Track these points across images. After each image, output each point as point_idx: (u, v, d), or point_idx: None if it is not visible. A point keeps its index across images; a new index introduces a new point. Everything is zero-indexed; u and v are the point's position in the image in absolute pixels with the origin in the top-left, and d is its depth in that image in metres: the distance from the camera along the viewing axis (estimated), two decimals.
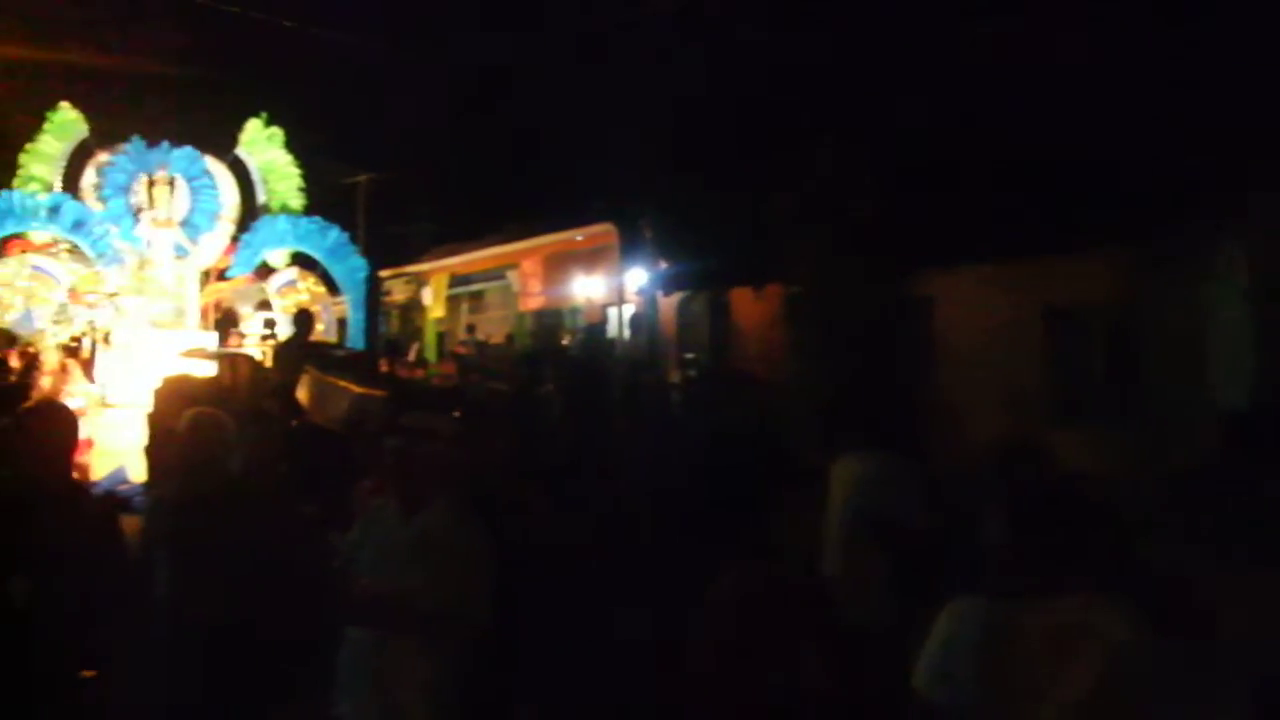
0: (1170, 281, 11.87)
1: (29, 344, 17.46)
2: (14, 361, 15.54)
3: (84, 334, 18.36)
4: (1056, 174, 11.96)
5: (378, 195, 32.90)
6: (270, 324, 18.53)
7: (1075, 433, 11.21)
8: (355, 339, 20.06)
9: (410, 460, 5.05)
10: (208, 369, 13.87)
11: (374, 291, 14.16)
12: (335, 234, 21.01)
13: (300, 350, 13.06)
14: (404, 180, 31.96)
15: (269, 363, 13.81)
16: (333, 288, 21.41)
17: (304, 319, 13.80)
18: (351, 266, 21.03)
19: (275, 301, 20.35)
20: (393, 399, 9.04)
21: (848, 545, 6.03)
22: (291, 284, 20.77)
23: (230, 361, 13.59)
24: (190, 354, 15.30)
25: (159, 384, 11.94)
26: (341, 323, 21.35)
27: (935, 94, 13.76)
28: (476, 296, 32.13)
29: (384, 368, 16.03)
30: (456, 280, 31.17)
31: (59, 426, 5.08)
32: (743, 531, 4.24)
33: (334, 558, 5.26)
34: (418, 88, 27.45)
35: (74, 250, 19.28)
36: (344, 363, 12.40)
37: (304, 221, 20.78)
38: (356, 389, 9.52)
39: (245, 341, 18.39)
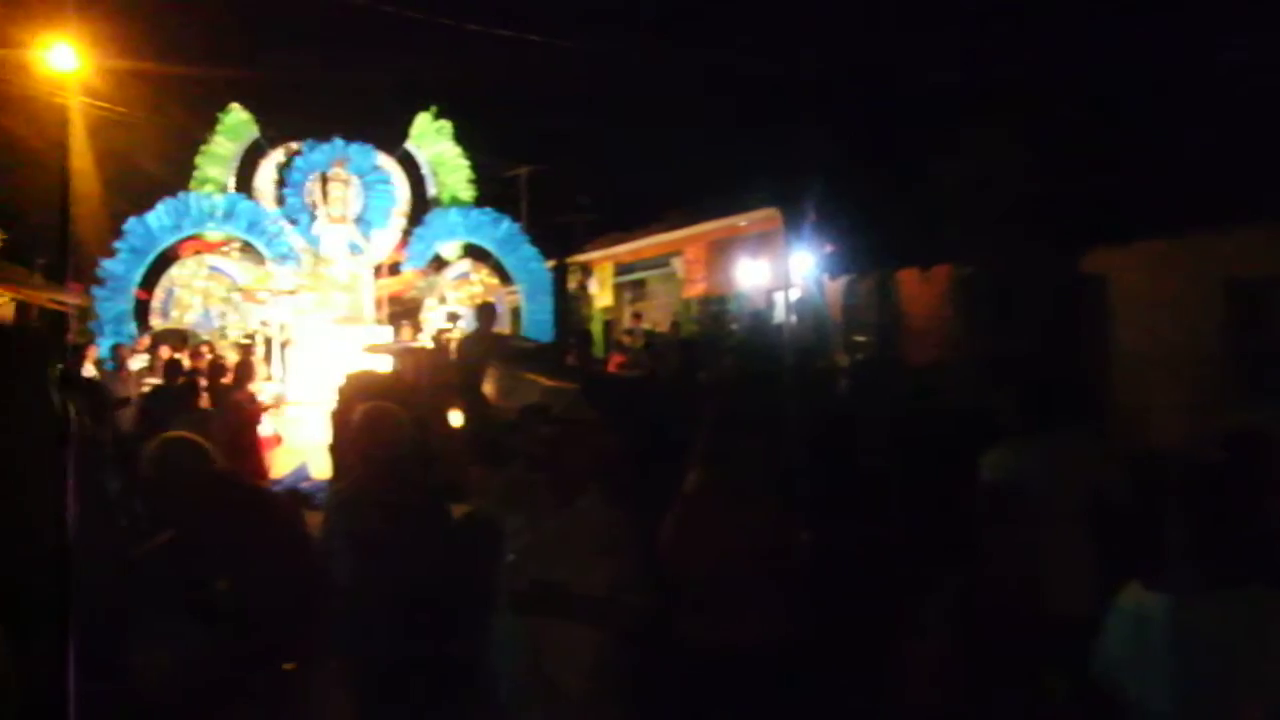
0: None
1: (203, 343, 17.13)
2: (187, 361, 15.17)
3: (256, 332, 18.00)
4: (1235, 141, 11.10)
5: (538, 187, 32.32)
6: (453, 317, 17.97)
7: (1260, 412, 10.06)
8: (531, 330, 19.43)
9: (562, 448, 4.81)
10: (390, 364, 13.45)
11: (561, 281, 13.31)
12: (507, 225, 20.61)
13: (485, 343, 12.44)
14: (564, 171, 31.69)
15: (452, 357, 13.10)
16: (505, 279, 20.83)
17: (487, 312, 13.17)
18: (524, 257, 20.52)
19: (449, 294, 19.96)
20: (586, 391, 8.43)
21: (1059, 530, 5.61)
22: (465, 276, 20.42)
23: (413, 356, 13.04)
24: (373, 349, 14.80)
25: (343, 380, 11.46)
26: (514, 313, 20.72)
27: (1105, 63, 13.08)
28: (638, 285, 31.39)
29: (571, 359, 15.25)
30: (619, 269, 30.56)
31: (243, 426, 5.08)
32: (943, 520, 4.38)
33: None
34: (576, 77, 27.04)
35: (244, 249, 19.12)
36: (530, 355, 12.05)
37: (475, 213, 20.40)
38: (547, 382, 8.99)
39: (420, 335, 17.90)
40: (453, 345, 14.17)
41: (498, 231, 20.41)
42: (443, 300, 19.64)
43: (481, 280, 20.33)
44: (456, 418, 10.90)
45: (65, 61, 22.33)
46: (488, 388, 9.86)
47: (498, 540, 5.04)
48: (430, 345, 15.30)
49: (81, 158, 25.05)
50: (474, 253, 20.61)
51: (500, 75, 26.38)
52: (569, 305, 17.19)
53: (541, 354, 12.83)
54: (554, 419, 5.22)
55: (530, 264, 20.59)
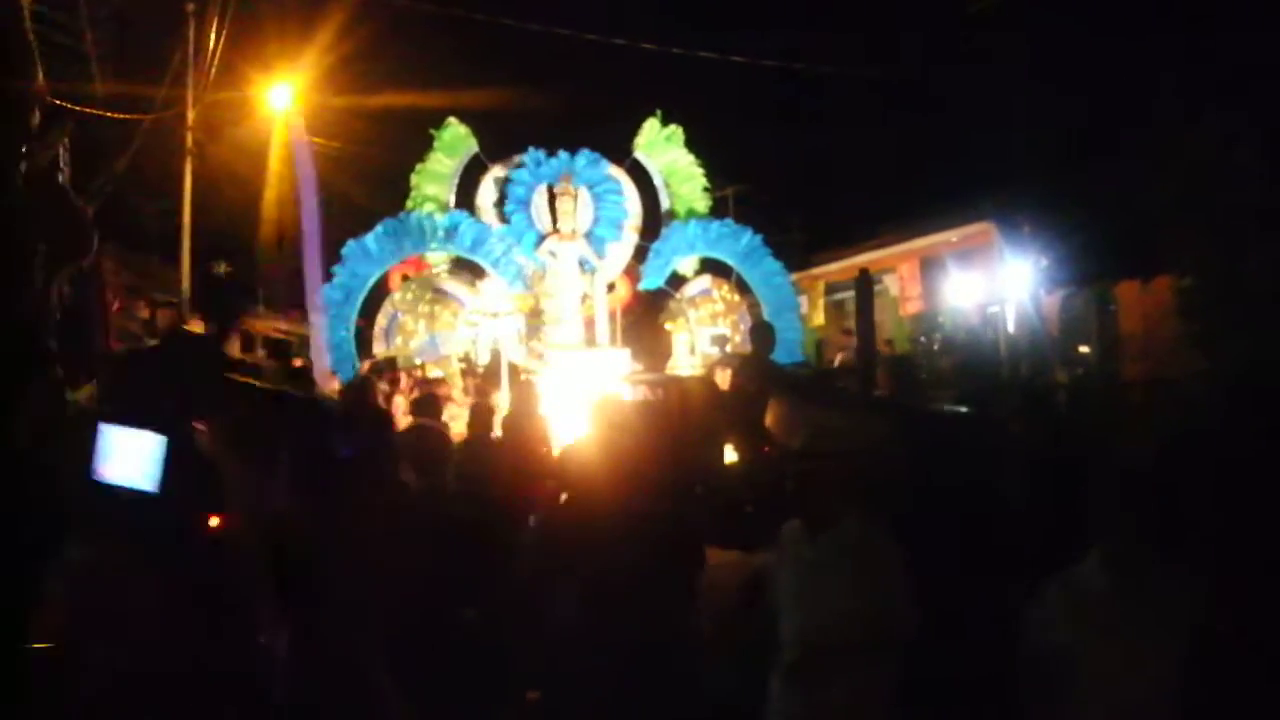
0: None
1: (418, 368, 14.61)
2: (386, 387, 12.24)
3: (467, 354, 15.65)
4: None
5: (745, 206, 29.58)
6: (721, 340, 14.63)
7: None
8: (777, 350, 15.93)
9: (813, 477, 4.21)
10: (651, 393, 11.19)
11: (866, 292, 10.19)
12: (749, 237, 17.62)
13: (762, 370, 9.81)
14: (774, 190, 28.97)
15: (724, 385, 10.41)
16: (746, 294, 17.93)
17: (763, 333, 10.56)
18: (767, 271, 17.59)
19: (690, 312, 17.13)
20: (902, 427, 6.23)
21: None
22: (706, 293, 17.52)
23: (679, 385, 10.83)
24: (637, 379, 12.26)
25: (592, 409, 8.62)
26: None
27: None
28: (840, 304, 28.54)
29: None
30: (828, 288, 27.85)
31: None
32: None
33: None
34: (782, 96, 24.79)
35: (455, 270, 16.46)
36: (813, 384, 10.78)
37: (715, 225, 17.53)
38: (841, 417, 6.74)
39: (666, 361, 15.66)
40: (722, 373, 11.25)
41: (739, 245, 17.42)
42: (685, 320, 16.73)
43: (723, 297, 17.35)
44: (730, 453, 9.40)
45: (281, 100, 21.14)
46: (769, 420, 8.13)
47: (757, 592, 4.42)
48: (696, 373, 12.86)
49: (296, 189, 23.14)
50: (711, 267, 17.71)
51: (707, 94, 24.08)
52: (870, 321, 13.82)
53: (823, 382, 11.31)
54: (801, 452, 4.43)
55: (774, 278, 17.56)
